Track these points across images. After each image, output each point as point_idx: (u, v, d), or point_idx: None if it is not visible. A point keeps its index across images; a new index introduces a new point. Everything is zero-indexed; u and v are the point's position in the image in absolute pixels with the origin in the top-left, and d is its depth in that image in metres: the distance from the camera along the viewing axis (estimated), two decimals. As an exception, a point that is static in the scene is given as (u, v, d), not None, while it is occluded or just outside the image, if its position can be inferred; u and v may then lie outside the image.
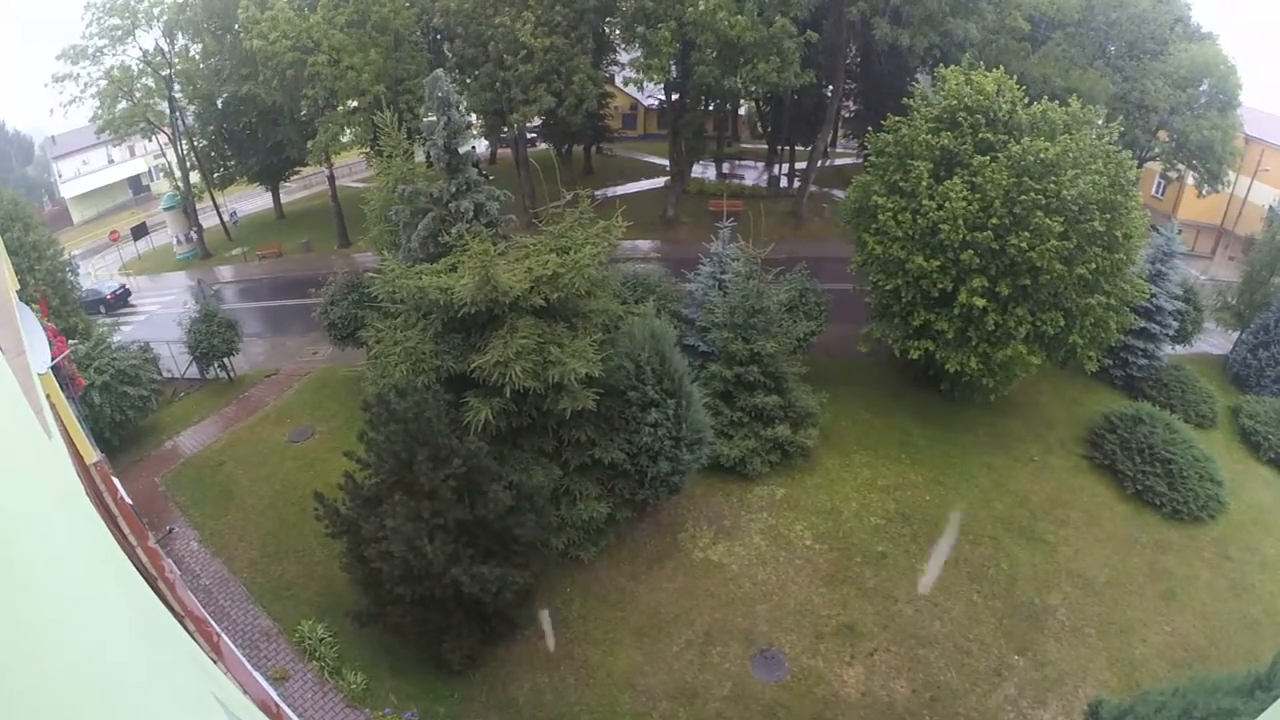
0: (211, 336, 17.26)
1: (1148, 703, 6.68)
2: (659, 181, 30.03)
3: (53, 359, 9.47)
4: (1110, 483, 13.44)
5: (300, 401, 16.81)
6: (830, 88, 24.96)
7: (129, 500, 11.81)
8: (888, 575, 10.68)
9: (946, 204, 12.01)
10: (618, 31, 23.02)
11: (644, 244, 24.22)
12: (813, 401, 12.84)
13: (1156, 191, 27.79)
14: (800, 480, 12.56)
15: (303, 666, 11.09)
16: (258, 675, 9.78)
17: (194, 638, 8.21)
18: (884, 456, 13.23)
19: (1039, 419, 14.75)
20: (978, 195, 11.96)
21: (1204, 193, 22.59)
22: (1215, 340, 18.10)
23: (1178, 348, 16.63)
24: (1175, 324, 15.61)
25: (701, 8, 17.22)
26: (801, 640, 9.72)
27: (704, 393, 11.29)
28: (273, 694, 9.22)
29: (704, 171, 31.12)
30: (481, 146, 28.83)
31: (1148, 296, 13.92)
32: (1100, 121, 12.91)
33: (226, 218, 31.87)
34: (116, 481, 12.00)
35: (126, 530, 10.01)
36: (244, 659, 10.12)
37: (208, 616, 10.55)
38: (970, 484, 12.82)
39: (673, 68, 20.80)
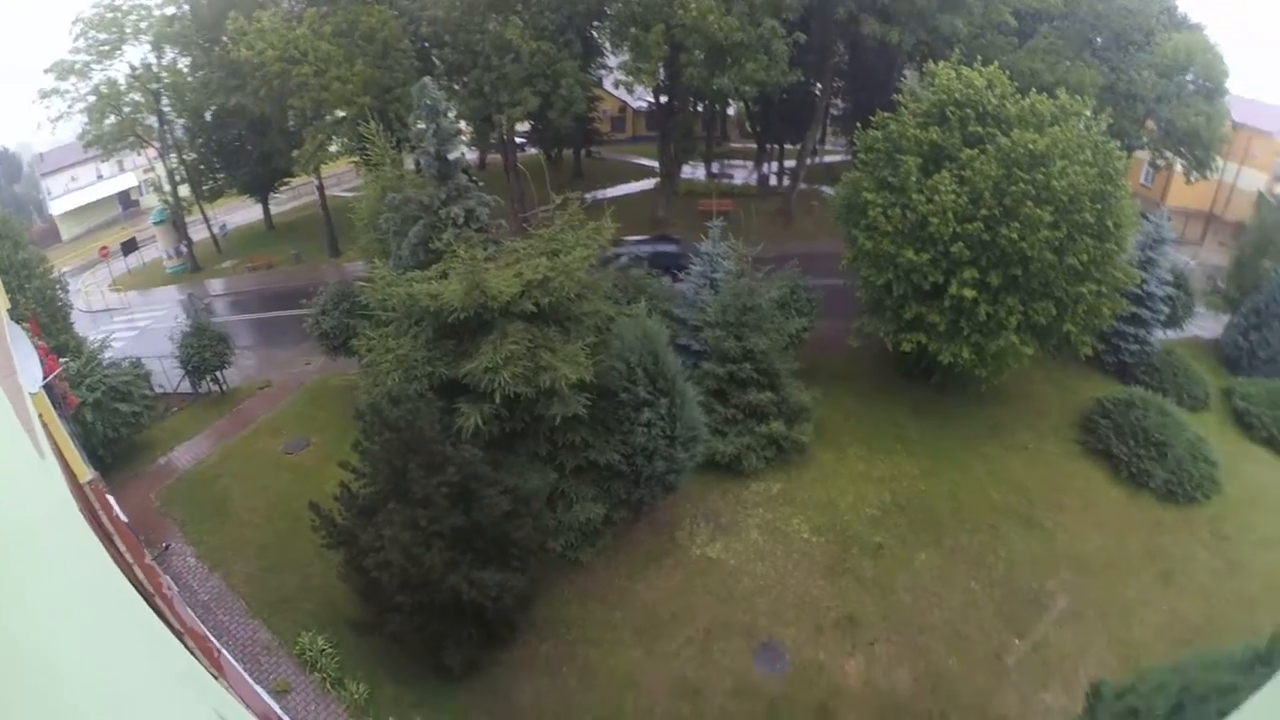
0: (203, 350, 17.23)
1: (1148, 681, 6.69)
2: (649, 183, 30.06)
3: (44, 378, 9.45)
4: (1105, 467, 13.51)
5: (294, 413, 16.77)
6: (818, 85, 25.04)
7: (124, 518, 11.78)
8: (885, 566, 10.71)
9: (936, 197, 12.07)
10: (606, 35, 23.07)
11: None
12: (806, 397, 12.89)
13: (1145, 179, 27.93)
14: (795, 475, 12.60)
15: (304, 678, 11.05)
16: (259, 689, 9.77)
17: (194, 654, 8.21)
18: (878, 449, 13.27)
19: (1032, 407, 14.81)
20: (966, 188, 12.02)
21: (1192, 179, 22.71)
22: (1206, 324, 18.21)
23: (1169, 332, 16.73)
24: (1166, 309, 15.69)
25: (693, 10, 17.25)
26: (802, 633, 9.74)
27: (697, 391, 11.30)
28: (275, 707, 9.21)
29: (694, 172, 31.17)
30: (471, 155, 28.86)
31: (1138, 283, 14.00)
32: (1089, 113, 13.00)
33: (216, 230, 31.80)
34: (111, 500, 11.99)
35: (123, 548, 10.03)
36: (245, 673, 10.11)
37: (207, 632, 10.54)
38: (965, 473, 12.87)
39: (661, 70, 20.85)
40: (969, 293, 11.86)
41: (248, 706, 7.85)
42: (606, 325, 11.11)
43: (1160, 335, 16.20)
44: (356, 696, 10.35)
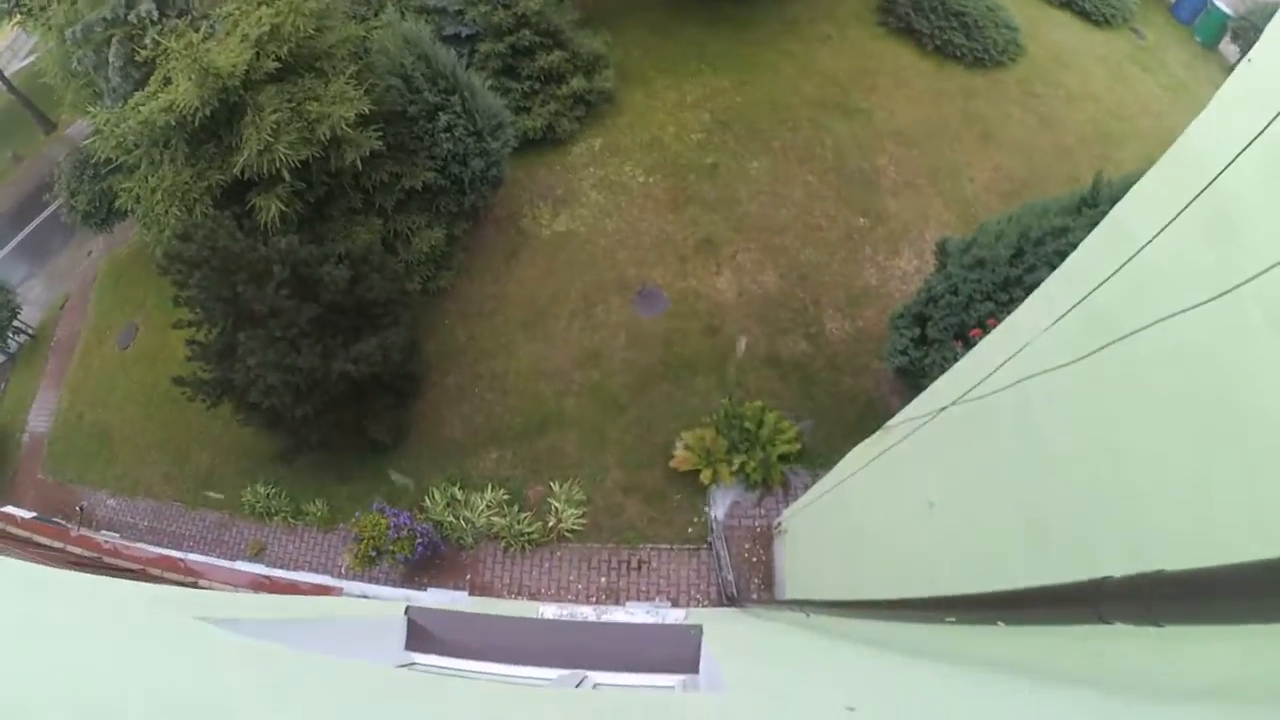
0: (-13, 314, 15.05)
1: (987, 232, 7.27)
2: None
3: None
4: (910, 44, 13.81)
5: (105, 308, 15.23)
6: None
7: (29, 514, 11.05)
8: (724, 182, 11.17)
9: None
10: None
11: None
12: (598, 43, 12.16)
13: None
14: (612, 124, 12.37)
15: (268, 529, 11.40)
16: (238, 564, 10.01)
17: (162, 580, 8.22)
18: (685, 75, 12.99)
19: (826, -2, 14.54)
20: None
21: None
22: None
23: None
24: None
25: None
26: (669, 269, 10.40)
27: (485, 76, 10.53)
28: (259, 570, 9.49)
29: None
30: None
31: None
32: None
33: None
34: (10, 509, 11.18)
35: (47, 541, 9.52)
36: (218, 560, 10.25)
37: (167, 551, 10.44)
38: (776, 75, 12.92)
39: None
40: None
41: (234, 588, 8.12)
42: (363, 48, 9.90)
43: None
44: (319, 513, 10.81)
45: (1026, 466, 2.56)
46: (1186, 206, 1.80)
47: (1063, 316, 2.31)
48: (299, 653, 1.79)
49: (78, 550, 9.59)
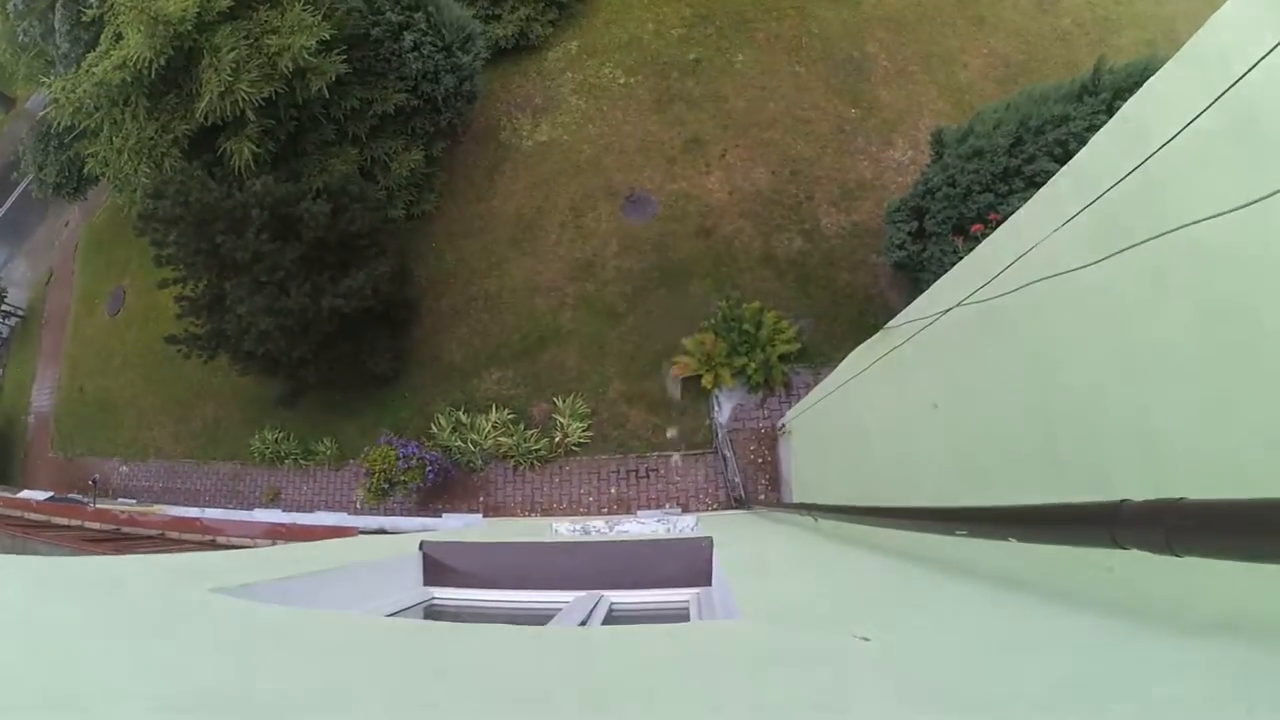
0: (-27, 303, 15.03)
1: (985, 121, 6.86)
2: None
3: None
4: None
5: (90, 277, 15.06)
6: None
7: (45, 496, 11.17)
8: (709, 78, 10.68)
9: None
10: None
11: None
12: None
13: None
14: (588, 26, 11.76)
15: (280, 473, 11.48)
16: (254, 513, 10.09)
17: (181, 542, 8.29)
18: None
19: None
20: None
21: None
22: None
23: None
24: None
25: None
26: (657, 172, 10.04)
27: None
28: (275, 517, 9.56)
29: None
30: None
31: None
32: None
33: None
34: (25, 493, 11.27)
35: (66, 521, 9.54)
36: (234, 513, 10.35)
37: (183, 511, 10.53)
38: (753, -38, 12.20)
39: None
40: None
41: (252, 539, 8.18)
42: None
43: None
44: (329, 451, 10.86)
45: (1034, 375, 2.45)
46: (1208, 106, 1.63)
47: (1073, 217, 2.16)
48: (314, 613, 1.78)
49: (95, 525, 9.69)
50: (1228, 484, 1.52)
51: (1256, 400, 1.52)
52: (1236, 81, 1.55)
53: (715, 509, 9.07)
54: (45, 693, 0.95)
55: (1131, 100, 2.09)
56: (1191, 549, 0.97)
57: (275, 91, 8.79)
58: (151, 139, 9.59)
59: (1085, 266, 2.04)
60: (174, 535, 9.20)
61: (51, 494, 11.72)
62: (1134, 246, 1.84)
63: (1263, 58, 1.50)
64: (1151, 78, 1.99)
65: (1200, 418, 1.68)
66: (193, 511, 10.40)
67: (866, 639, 1.19)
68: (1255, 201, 1.47)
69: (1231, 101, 1.59)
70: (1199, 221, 1.61)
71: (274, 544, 7.96)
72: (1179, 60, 1.86)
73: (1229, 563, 0.94)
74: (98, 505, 10.73)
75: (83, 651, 1.21)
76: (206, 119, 9.06)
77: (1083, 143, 3.04)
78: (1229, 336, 1.61)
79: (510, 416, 9.34)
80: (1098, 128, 2.93)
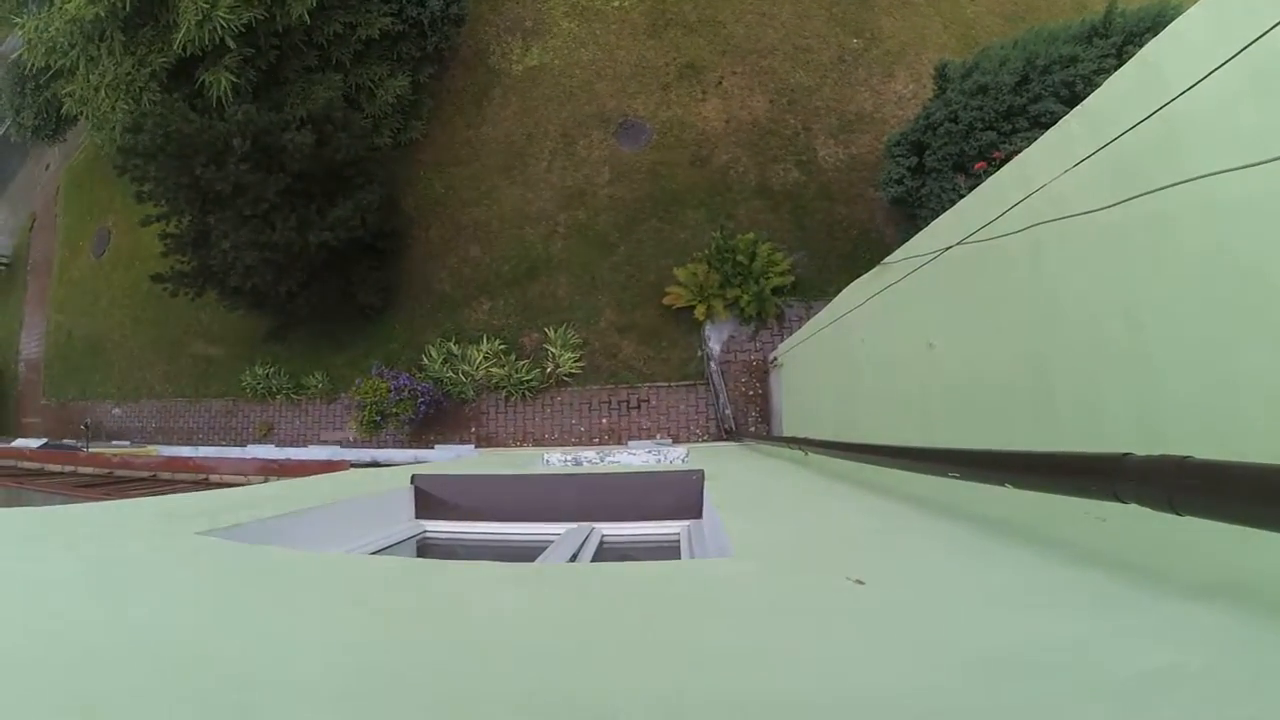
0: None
1: (991, 57, 6.66)
2: None
3: None
4: None
5: (73, 220, 14.83)
6: None
7: (37, 444, 11.09)
8: (707, 3, 10.33)
9: None
10: None
11: None
12: None
13: None
14: None
15: (272, 408, 11.44)
16: (248, 450, 10.05)
17: (174, 483, 8.24)
18: None
19: None
20: None
21: None
22: None
23: None
24: None
25: None
26: (651, 98, 9.79)
27: None
28: (268, 452, 9.53)
29: None
30: None
31: None
32: None
33: None
34: (18, 442, 11.21)
35: (58, 468, 9.56)
36: (226, 451, 10.32)
37: (175, 451, 10.49)
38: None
39: None
40: None
41: (245, 477, 8.14)
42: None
43: None
44: (320, 384, 10.82)
45: (1034, 320, 2.39)
46: (1233, 57, 1.55)
47: (1084, 160, 2.08)
48: (304, 554, 1.75)
49: (88, 470, 9.67)
50: (1224, 440, 1.53)
51: (1258, 357, 1.49)
52: (1266, 32, 1.47)
53: (706, 440, 9.09)
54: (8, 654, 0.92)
55: (1151, 43, 1.99)
56: (1194, 509, 0.94)
57: (255, 17, 8.47)
58: (129, 74, 9.35)
59: (1096, 210, 1.98)
60: (166, 476, 9.20)
61: (45, 441, 11.70)
62: (1150, 193, 1.78)
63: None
64: (1174, 21, 1.91)
65: (1201, 372, 1.65)
66: (185, 451, 10.39)
67: (861, 582, 1.17)
68: (1274, 159, 1.41)
69: (1258, 52, 1.52)
70: (1220, 172, 1.55)
71: (266, 480, 7.98)
72: (1204, 5, 1.76)
73: (1230, 530, 0.90)
74: (91, 449, 10.72)
75: (62, 606, 1.18)
76: (185, 50, 8.75)
77: (1090, 85, 2.97)
78: (1235, 292, 1.57)
79: (501, 347, 9.28)
80: (1107, 71, 2.87)
